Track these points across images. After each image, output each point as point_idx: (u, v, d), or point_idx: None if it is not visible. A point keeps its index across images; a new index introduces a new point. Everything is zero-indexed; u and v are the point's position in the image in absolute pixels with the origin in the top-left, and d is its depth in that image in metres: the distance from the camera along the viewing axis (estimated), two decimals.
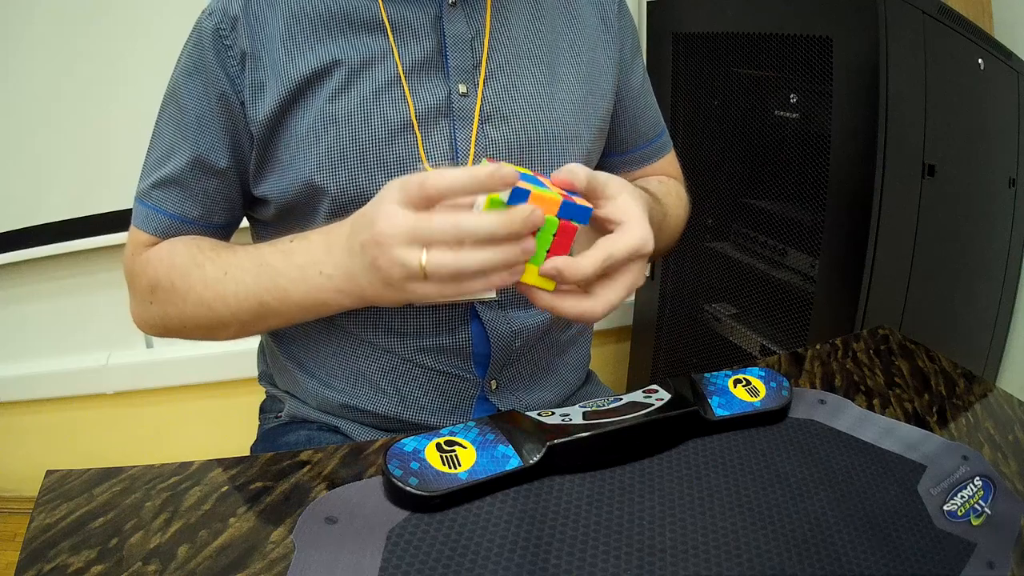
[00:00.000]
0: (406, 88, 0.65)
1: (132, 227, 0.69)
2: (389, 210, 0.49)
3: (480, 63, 0.67)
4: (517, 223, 0.46)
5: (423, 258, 0.47)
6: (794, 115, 1.17)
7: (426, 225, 0.47)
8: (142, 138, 0.70)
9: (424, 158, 0.65)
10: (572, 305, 0.52)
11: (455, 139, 0.66)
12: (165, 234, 0.67)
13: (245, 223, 0.76)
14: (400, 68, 0.65)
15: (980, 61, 1.23)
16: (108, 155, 1.35)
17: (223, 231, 0.71)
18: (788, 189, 1.21)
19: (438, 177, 0.47)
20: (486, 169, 0.46)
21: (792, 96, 1.16)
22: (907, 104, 1.05)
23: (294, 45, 0.63)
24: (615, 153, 0.82)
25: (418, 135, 0.65)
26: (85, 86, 1.34)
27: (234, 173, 0.67)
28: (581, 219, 0.50)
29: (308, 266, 0.56)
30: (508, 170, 0.47)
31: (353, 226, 0.53)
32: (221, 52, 0.63)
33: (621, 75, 0.77)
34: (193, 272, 0.63)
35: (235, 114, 0.64)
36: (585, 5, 0.75)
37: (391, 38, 0.65)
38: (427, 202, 0.48)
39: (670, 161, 0.87)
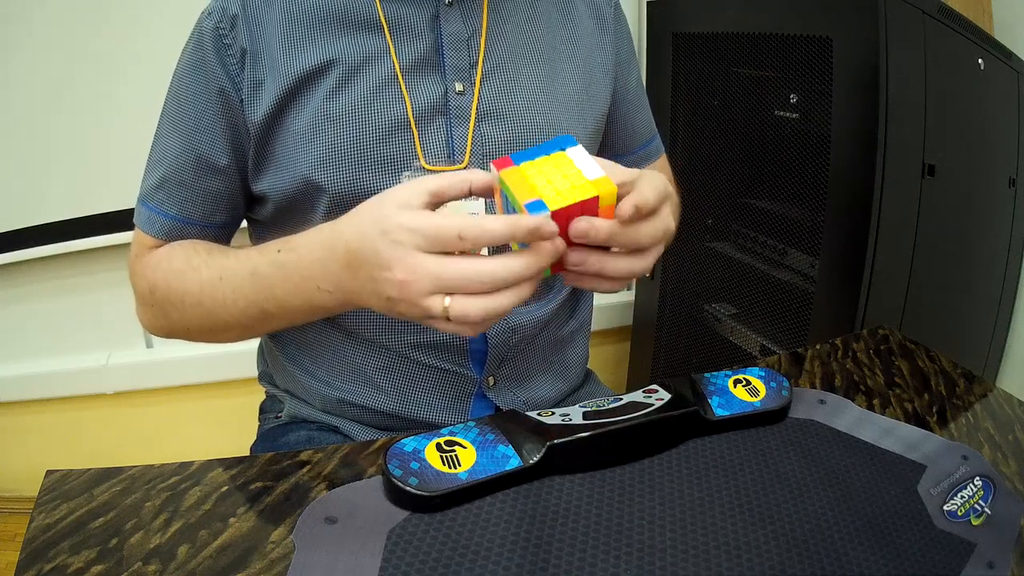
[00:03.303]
0: (403, 86, 0.65)
1: (136, 229, 0.69)
2: (414, 260, 0.47)
3: (477, 62, 0.68)
4: (545, 260, 0.46)
5: (446, 302, 0.47)
6: (794, 115, 1.17)
7: (452, 275, 0.46)
8: (142, 138, 0.70)
9: (421, 156, 0.65)
10: (622, 266, 0.51)
11: (451, 137, 0.66)
12: (168, 236, 0.68)
13: (244, 224, 0.76)
14: (397, 67, 0.65)
15: (980, 61, 1.23)
16: (108, 155, 1.35)
17: (224, 230, 0.71)
18: (788, 189, 1.21)
19: (477, 231, 0.46)
20: (528, 224, 0.45)
21: (792, 96, 1.16)
22: (907, 104, 1.05)
23: (292, 43, 0.63)
24: (609, 156, 0.82)
25: (415, 133, 0.65)
26: (85, 86, 1.34)
27: (235, 171, 0.67)
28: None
29: (304, 281, 0.56)
30: (550, 227, 0.46)
31: (354, 255, 0.51)
32: (221, 51, 0.63)
33: (617, 78, 0.78)
34: (189, 276, 0.63)
35: (234, 111, 0.65)
36: (581, 7, 0.75)
37: (388, 37, 0.65)
38: (456, 250, 0.47)
39: (663, 165, 0.88)
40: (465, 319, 0.47)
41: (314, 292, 0.56)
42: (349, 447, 0.57)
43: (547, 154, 0.50)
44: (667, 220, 0.52)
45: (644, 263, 0.52)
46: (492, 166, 0.49)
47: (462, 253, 0.48)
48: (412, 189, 0.49)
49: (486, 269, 0.46)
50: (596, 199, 0.47)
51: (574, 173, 0.48)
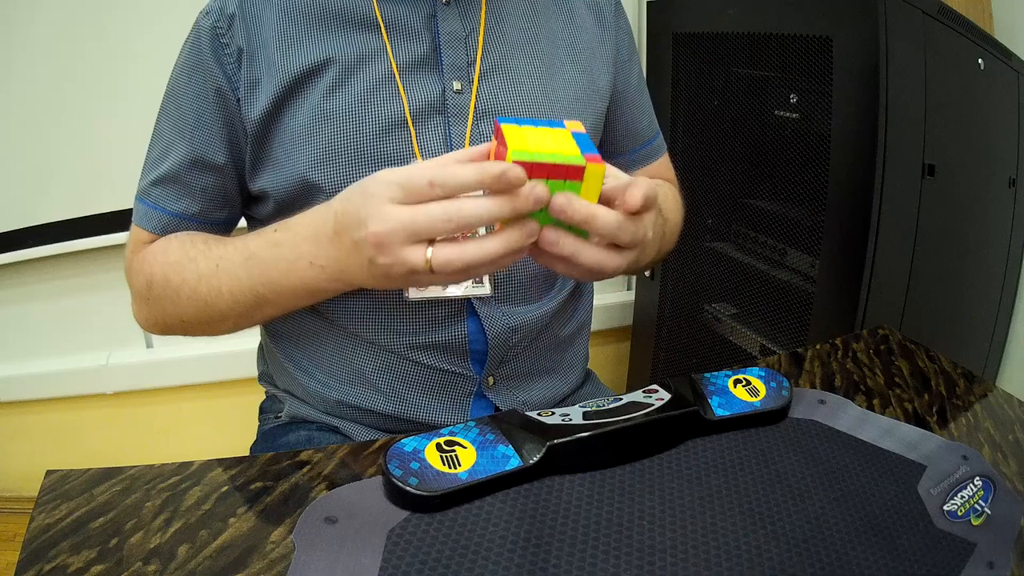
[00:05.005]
0: (400, 85, 0.65)
1: (133, 225, 0.69)
2: (384, 210, 0.48)
3: (475, 61, 0.68)
4: (520, 204, 0.46)
5: (428, 253, 0.47)
6: (794, 115, 1.17)
7: (425, 220, 0.47)
8: (142, 138, 0.70)
9: (418, 154, 0.65)
10: (594, 256, 0.50)
11: (449, 135, 0.66)
12: (165, 231, 0.68)
13: (243, 222, 0.76)
14: (394, 66, 0.65)
15: (980, 61, 1.23)
16: (108, 155, 1.35)
17: (223, 227, 0.72)
18: (788, 189, 1.21)
19: (446, 176, 0.46)
20: (494, 169, 0.45)
21: (792, 96, 1.16)
22: (907, 104, 1.05)
23: (288, 42, 0.64)
24: (611, 155, 0.82)
25: (412, 131, 0.65)
26: (85, 86, 1.34)
27: (232, 169, 0.67)
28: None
29: (297, 259, 0.57)
30: (516, 172, 0.45)
31: (339, 222, 0.53)
32: (218, 50, 0.64)
33: (618, 76, 0.78)
34: (187, 267, 0.63)
35: (231, 110, 0.65)
36: (580, 5, 0.75)
37: (385, 36, 0.65)
38: (430, 199, 0.47)
39: (665, 164, 0.88)
40: (448, 266, 0.47)
41: (307, 269, 0.56)
42: (349, 447, 0.57)
43: (553, 127, 0.50)
44: (648, 226, 0.52)
45: (616, 261, 0.51)
46: (496, 121, 0.49)
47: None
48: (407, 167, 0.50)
49: (453, 206, 0.46)
50: (581, 169, 0.46)
51: (568, 144, 0.48)
